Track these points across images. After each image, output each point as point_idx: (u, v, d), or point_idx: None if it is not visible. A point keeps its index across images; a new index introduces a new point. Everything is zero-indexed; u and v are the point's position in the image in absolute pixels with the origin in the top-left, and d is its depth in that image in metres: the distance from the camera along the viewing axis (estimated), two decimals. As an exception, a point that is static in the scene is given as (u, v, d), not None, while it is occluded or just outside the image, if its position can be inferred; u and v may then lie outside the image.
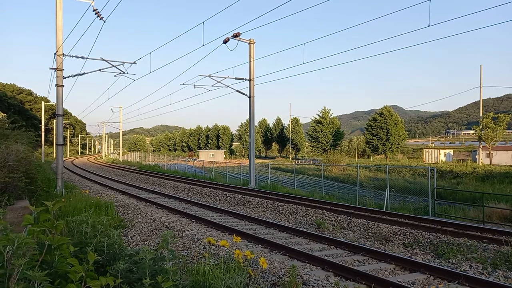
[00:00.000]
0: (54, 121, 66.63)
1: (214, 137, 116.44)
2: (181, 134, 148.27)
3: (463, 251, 9.15)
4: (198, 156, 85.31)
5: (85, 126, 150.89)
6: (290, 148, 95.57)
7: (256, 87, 23.50)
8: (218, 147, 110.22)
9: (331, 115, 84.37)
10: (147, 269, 2.71)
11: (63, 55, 18.73)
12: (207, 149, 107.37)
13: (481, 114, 52.96)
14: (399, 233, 10.91)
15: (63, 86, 19.03)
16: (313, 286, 6.32)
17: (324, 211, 13.97)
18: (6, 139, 15.47)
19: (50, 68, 19.73)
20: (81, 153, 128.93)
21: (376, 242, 10.75)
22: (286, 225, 12.48)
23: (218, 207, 16.20)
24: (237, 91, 24.00)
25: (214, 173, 32.79)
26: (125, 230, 11.84)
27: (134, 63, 21.05)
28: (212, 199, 19.31)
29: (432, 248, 9.76)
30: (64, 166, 21.72)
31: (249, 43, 22.58)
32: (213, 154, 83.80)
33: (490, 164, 49.31)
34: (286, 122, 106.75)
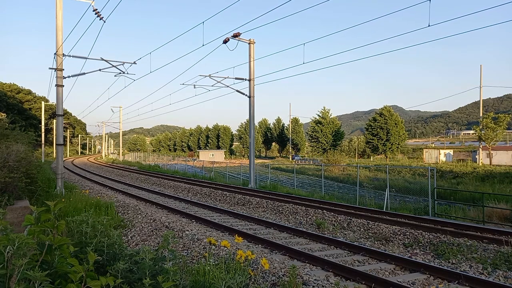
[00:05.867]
0: (54, 121, 66.64)
1: (214, 137, 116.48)
2: (181, 134, 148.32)
3: (463, 251, 9.16)
4: (198, 156, 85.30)
5: (85, 126, 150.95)
6: (290, 148, 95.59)
7: (256, 87, 23.53)
8: (218, 147, 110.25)
9: (331, 115, 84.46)
10: (147, 269, 2.71)
11: (63, 55, 18.73)
12: (207, 149, 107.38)
13: (481, 114, 52.98)
14: (399, 233, 10.91)
15: (63, 86, 19.03)
16: (313, 286, 6.32)
17: (324, 211, 13.97)
18: (6, 139, 15.46)
19: (50, 68, 19.74)
20: (81, 153, 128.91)
21: (376, 242, 10.75)
22: (286, 225, 12.48)
23: (218, 207, 16.21)
24: (237, 91, 24.01)
25: (214, 173, 32.79)
26: (125, 230, 11.84)
27: (134, 63, 21.05)
28: (212, 199, 19.31)
29: (432, 248, 9.76)
30: (64, 166, 21.72)
31: (249, 43, 22.58)
32: (213, 154, 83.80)
33: (490, 164, 49.33)
34: (286, 122, 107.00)
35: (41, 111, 65.84)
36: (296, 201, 16.45)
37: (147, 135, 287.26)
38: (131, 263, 2.82)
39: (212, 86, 24.54)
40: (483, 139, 50.37)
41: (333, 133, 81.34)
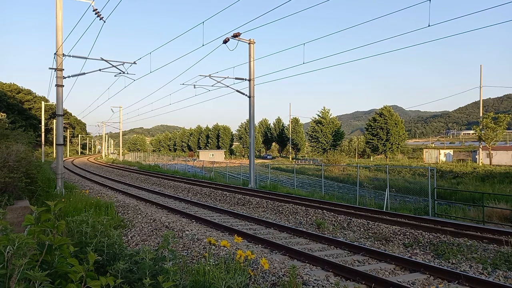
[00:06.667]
0: (54, 121, 66.64)
1: (214, 137, 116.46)
2: (181, 134, 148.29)
3: (463, 251, 9.16)
4: (198, 156, 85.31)
5: (85, 126, 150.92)
6: (290, 148, 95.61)
7: (256, 87, 23.53)
8: (218, 147, 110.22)
9: (330, 115, 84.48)
10: (148, 269, 2.71)
11: (63, 55, 18.73)
12: (207, 149, 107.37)
13: (481, 114, 52.98)
14: (399, 233, 10.91)
15: (63, 86, 19.03)
16: (313, 286, 6.32)
17: (324, 211, 13.97)
18: (6, 139, 15.47)
19: (50, 68, 19.74)
20: (81, 153, 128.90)
21: (376, 242, 10.75)
22: (286, 225, 12.48)
23: (218, 207, 16.21)
24: (237, 91, 24.01)
25: (214, 173, 32.80)
26: (125, 230, 11.84)
27: (134, 63, 21.05)
28: (212, 199, 19.31)
29: (432, 248, 9.76)
30: (64, 166, 21.72)
31: (249, 43, 22.58)
32: (213, 154, 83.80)
33: (490, 164, 49.32)
34: (286, 122, 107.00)
35: (41, 111, 65.84)
36: (296, 201, 16.45)
37: (147, 135, 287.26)
38: (131, 263, 2.82)
39: (212, 86, 24.56)
40: (483, 139, 50.37)
41: (333, 133, 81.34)
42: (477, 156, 52.67)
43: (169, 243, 3.37)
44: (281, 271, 6.82)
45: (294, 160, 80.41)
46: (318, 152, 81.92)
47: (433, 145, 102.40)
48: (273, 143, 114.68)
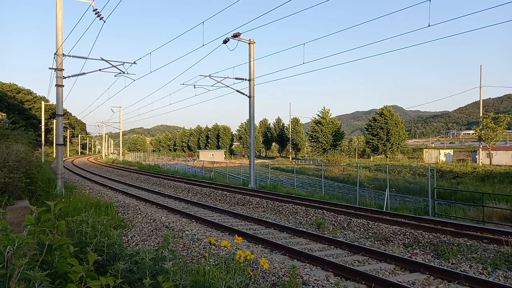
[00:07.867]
0: (54, 121, 66.63)
1: (214, 137, 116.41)
2: (181, 134, 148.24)
3: (463, 251, 9.16)
4: (198, 156, 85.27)
5: (85, 126, 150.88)
6: (290, 148, 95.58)
7: (256, 87, 23.52)
8: (218, 147, 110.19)
9: (330, 115, 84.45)
10: (148, 269, 2.71)
11: (63, 55, 18.73)
12: (207, 149, 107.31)
13: (481, 114, 52.96)
14: (399, 233, 10.91)
15: (63, 86, 19.03)
16: (313, 286, 6.32)
17: (324, 211, 13.97)
18: (6, 139, 15.47)
19: (50, 68, 19.74)
20: (81, 153, 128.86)
21: (376, 242, 10.75)
22: (286, 225, 12.48)
23: (218, 207, 16.21)
24: (237, 91, 24.01)
25: (214, 173, 32.79)
26: (125, 230, 11.84)
27: (134, 63, 21.04)
28: (212, 199, 19.31)
29: (432, 248, 9.76)
30: (64, 166, 21.72)
31: (249, 43, 22.58)
32: (213, 154, 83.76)
33: (490, 164, 49.31)
34: (286, 122, 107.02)
35: (41, 111, 65.84)
36: (296, 201, 16.45)
37: (147, 135, 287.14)
38: (131, 263, 2.82)
39: (212, 86, 24.55)
40: (483, 139, 50.36)
41: (333, 133, 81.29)
42: (477, 156, 52.66)
43: (169, 243, 3.37)
44: (281, 271, 6.82)
45: (294, 160, 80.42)
46: (318, 152, 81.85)
47: (433, 145, 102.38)
48: (273, 143, 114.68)
